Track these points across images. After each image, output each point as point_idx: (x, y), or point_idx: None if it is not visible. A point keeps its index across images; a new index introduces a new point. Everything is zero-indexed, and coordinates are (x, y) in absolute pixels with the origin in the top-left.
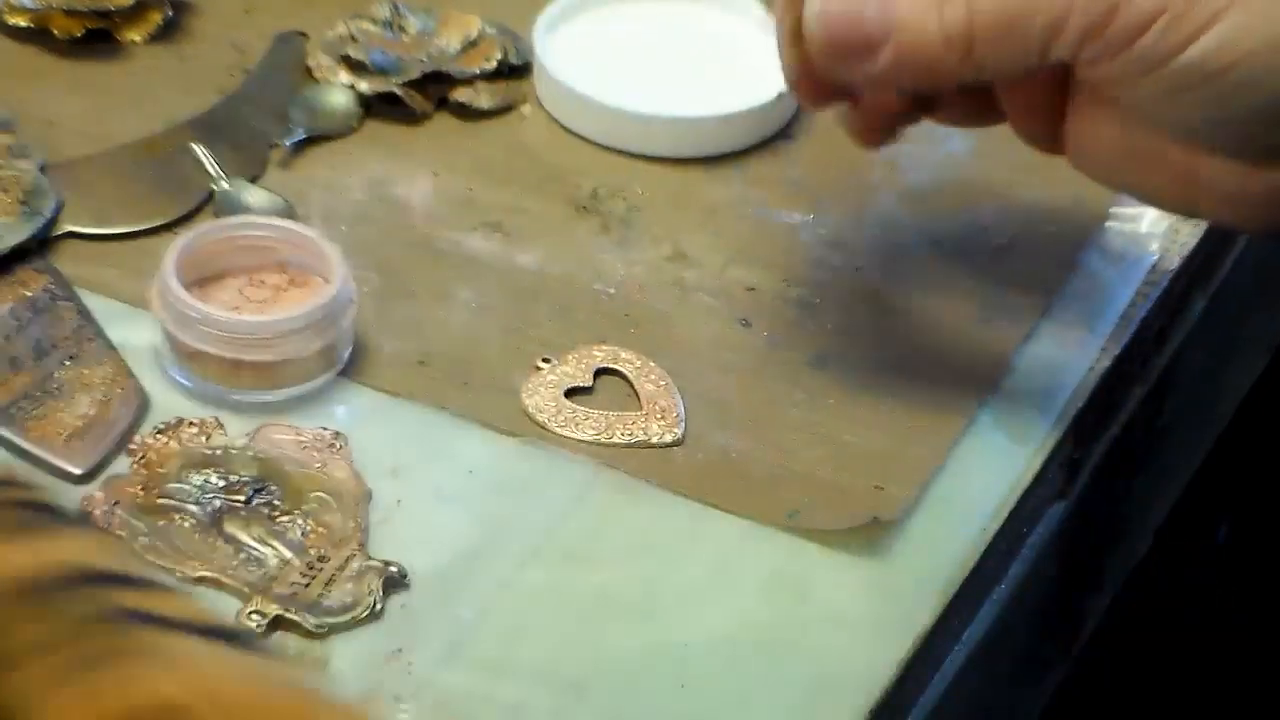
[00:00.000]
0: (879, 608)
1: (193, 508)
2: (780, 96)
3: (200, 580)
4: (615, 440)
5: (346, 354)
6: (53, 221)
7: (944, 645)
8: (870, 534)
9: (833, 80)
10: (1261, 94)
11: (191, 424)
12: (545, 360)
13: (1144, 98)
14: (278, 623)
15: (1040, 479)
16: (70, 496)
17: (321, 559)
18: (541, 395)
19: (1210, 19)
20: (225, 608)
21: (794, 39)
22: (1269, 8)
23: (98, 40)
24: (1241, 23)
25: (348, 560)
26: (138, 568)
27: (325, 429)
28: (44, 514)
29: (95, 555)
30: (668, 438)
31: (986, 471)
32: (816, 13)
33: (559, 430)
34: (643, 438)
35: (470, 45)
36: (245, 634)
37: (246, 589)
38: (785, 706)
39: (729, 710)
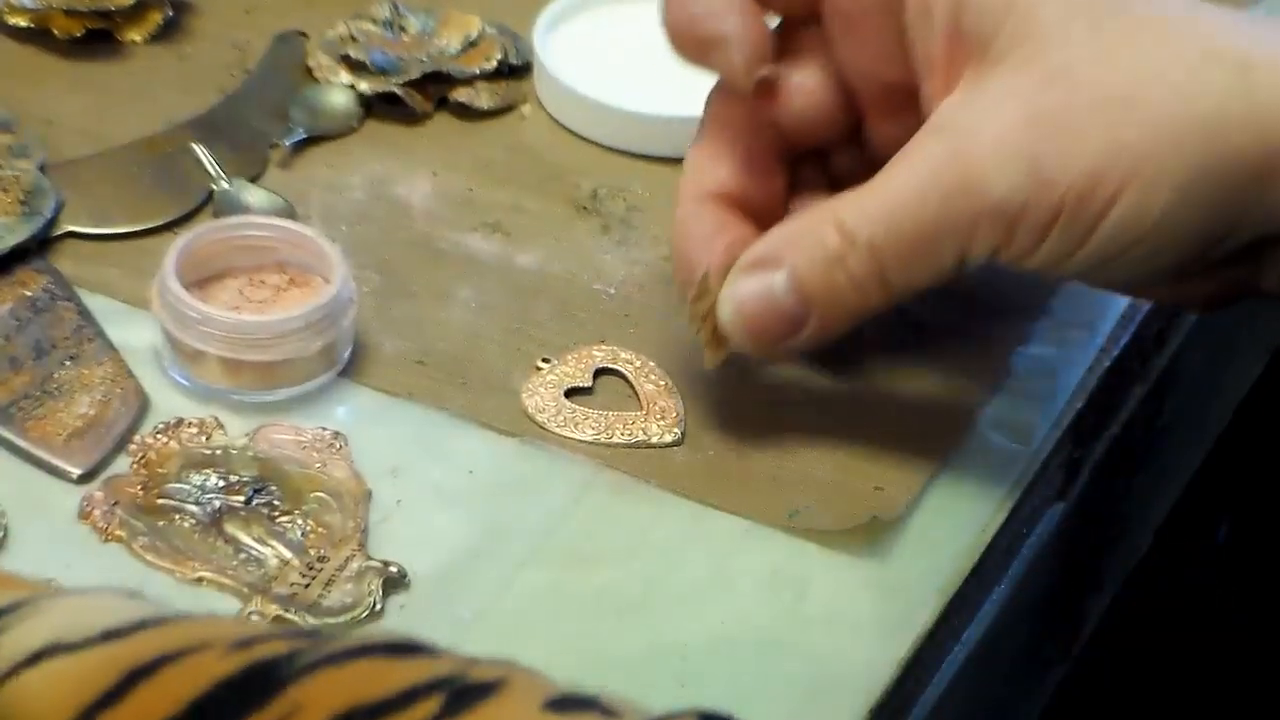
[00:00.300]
0: (879, 607)
1: (192, 508)
2: None
3: (200, 580)
4: (615, 440)
5: (346, 354)
6: (53, 221)
7: (944, 645)
8: (870, 534)
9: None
10: (1177, 251)
11: (191, 424)
12: (545, 360)
13: (1066, 274)
14: (277, 623)
15: (1040, 479)
16: (70, 496)
17: (321, 559)
18: (541, 395)
19: (1108, 203)
20: (225, 608)
21: (716, 343)
22: (1158, 177)
23: (98, 40)
24: (1137, 200)
25: (347, 560)
26: None
27: (325, 429)
28: None
29: None
30: (668, 438)
31: (986, 471)
32: (731, 314)
33: (559, 430)
34: (643, 438)
35: (470, 45)
36: None
37: (246, 589)
38: (785, 706)
39: (729, 710)
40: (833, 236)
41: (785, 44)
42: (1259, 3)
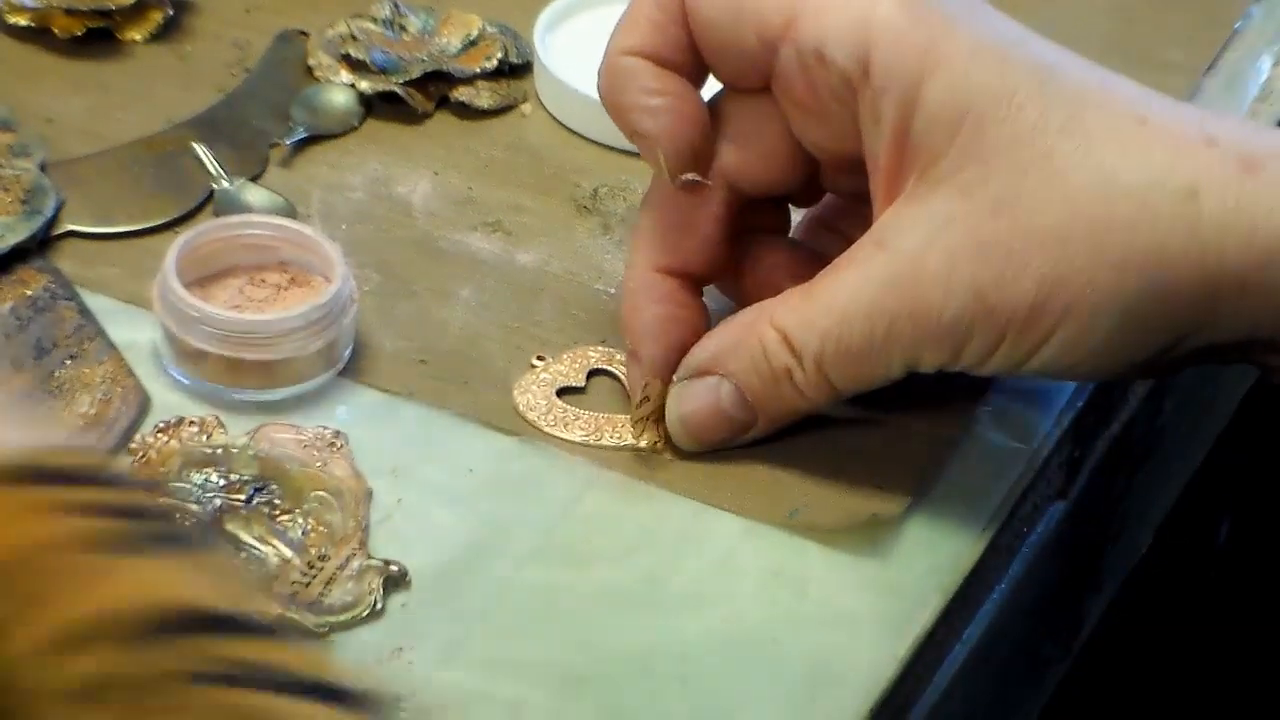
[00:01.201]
0: (880, 606)
1: (193, 507)
2: None
3: None
4: (603, 443)
5: (347, 353)
6: (53, 220)
7: (944, 644)
8: (871, 533)
9: None
10: (1123, 364)
11: (192, 423)
12: (540, 358)
13: (1016, 377)
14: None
15: (1040, 478)
16: None
17: (322, 558)
18: (533, 393)
19: (1050, 330)
20: None
21: (659, 441)
22: (1099, 307)
23: (98, 39)
24: (1078, 328)
25: (348, 559)
26: (252, 606)
27: (326, 428)
28: (142, 526)
29: (203, 590)
30: (656, 443)
31: (987, 470)
32: (677, 423)
33: (549, 429)
34: (630, 441)
35: (471, 44)
36: (367, 697)
37: None
38: (786, 705)
39: (729, 709)
40: (777, 350)
41: (735, 106)
42: (1260, 1)
